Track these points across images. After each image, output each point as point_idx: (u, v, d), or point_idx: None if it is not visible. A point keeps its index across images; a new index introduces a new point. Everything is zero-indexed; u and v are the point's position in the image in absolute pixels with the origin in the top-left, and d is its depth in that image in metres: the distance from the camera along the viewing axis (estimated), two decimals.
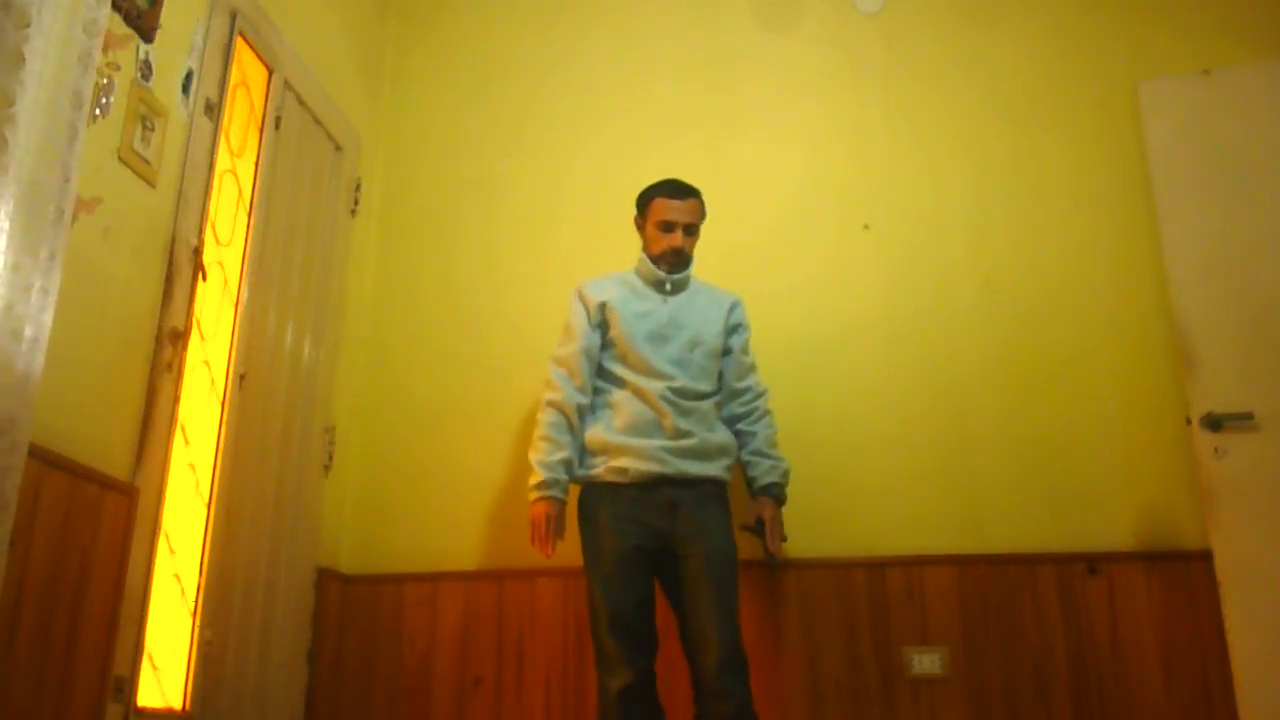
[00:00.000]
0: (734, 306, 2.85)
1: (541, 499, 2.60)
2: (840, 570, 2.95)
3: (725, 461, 2.69)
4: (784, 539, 2.71)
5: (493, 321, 3.42)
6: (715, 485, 2.65)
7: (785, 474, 2.75)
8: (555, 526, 2.58)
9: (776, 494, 2.72)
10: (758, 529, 2.67)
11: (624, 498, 2.59)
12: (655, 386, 2.64)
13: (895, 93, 3.39)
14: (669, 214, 2.77)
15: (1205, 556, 2.72)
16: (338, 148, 3.35)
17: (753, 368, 2.84)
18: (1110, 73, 3.25)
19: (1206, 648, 2.71)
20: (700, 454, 2.62)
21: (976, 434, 3.00)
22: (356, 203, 3.47)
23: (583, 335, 2.74)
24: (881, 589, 2.92)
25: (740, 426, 2.77)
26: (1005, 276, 3.14)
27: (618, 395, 2.68)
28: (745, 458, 2.75)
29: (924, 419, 3.03)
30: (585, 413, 2.70)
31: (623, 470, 2.59)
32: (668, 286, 2.79)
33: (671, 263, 2.77)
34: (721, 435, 2.70)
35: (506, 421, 3.29)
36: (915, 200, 3.27)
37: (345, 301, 3.38)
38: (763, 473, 2.72)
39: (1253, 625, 2.63)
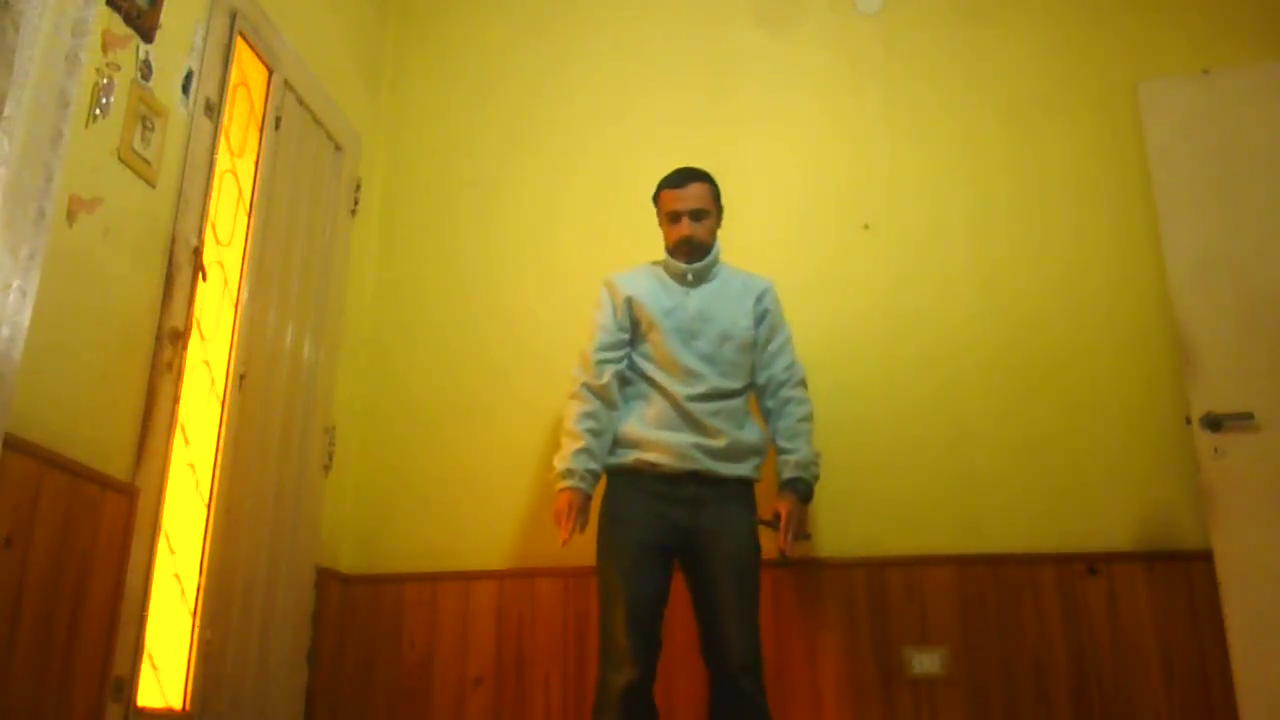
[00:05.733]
0: (763, 293, 2.77)
1: (564, 489, 2.55)
2: (840, 570, 2.96)
3: (755, 461, 2.64)
4: (806, 536, 2.65)
5: (493, 321, 3.42)
6: (741, 484, 2.61)
7: (806, 466, 2.62)
8: (576, 515, 2.52)
9: (797, 488, 2.61)
10: (773, 523, 2.57)
11: (648, 491, 2.55)
12: (681, 391, 2.60)
13: (895, 93, 3.39)
14: (673, 204, 2.74)
15: (1205, 556, 2.72)
16: (338, 148, 3.35)
17: (777, 355, 2.73)
18: (1110, 73, 3.25)
19: (1206, 648, 2.71)
20: (730, 455, 2.58)
21: (976, 433, 3.00)
22: (356, 203, 3.47)
23: (605, 331, 2.70)
24: (881, 589, 2.92)
25: (771, 422, 2.71)
26: (1005, 276, 3.14)
27: (648, 390, 2.64)
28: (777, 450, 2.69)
29: (924, 418, 3.02)
30: (610, 405, 2.64)
31: (652, 464, 2.55)
32: (689, 277, 2.73)
33: (686, 252, 2.72)
34: (752, 434, 2.64)
35: (506, 421, 3.29)
36: (915, 200, 3.27)
37: (345, 301, 3.38)
38: (780, 468, 2.65)
39: (1253, 625, 2.63)
